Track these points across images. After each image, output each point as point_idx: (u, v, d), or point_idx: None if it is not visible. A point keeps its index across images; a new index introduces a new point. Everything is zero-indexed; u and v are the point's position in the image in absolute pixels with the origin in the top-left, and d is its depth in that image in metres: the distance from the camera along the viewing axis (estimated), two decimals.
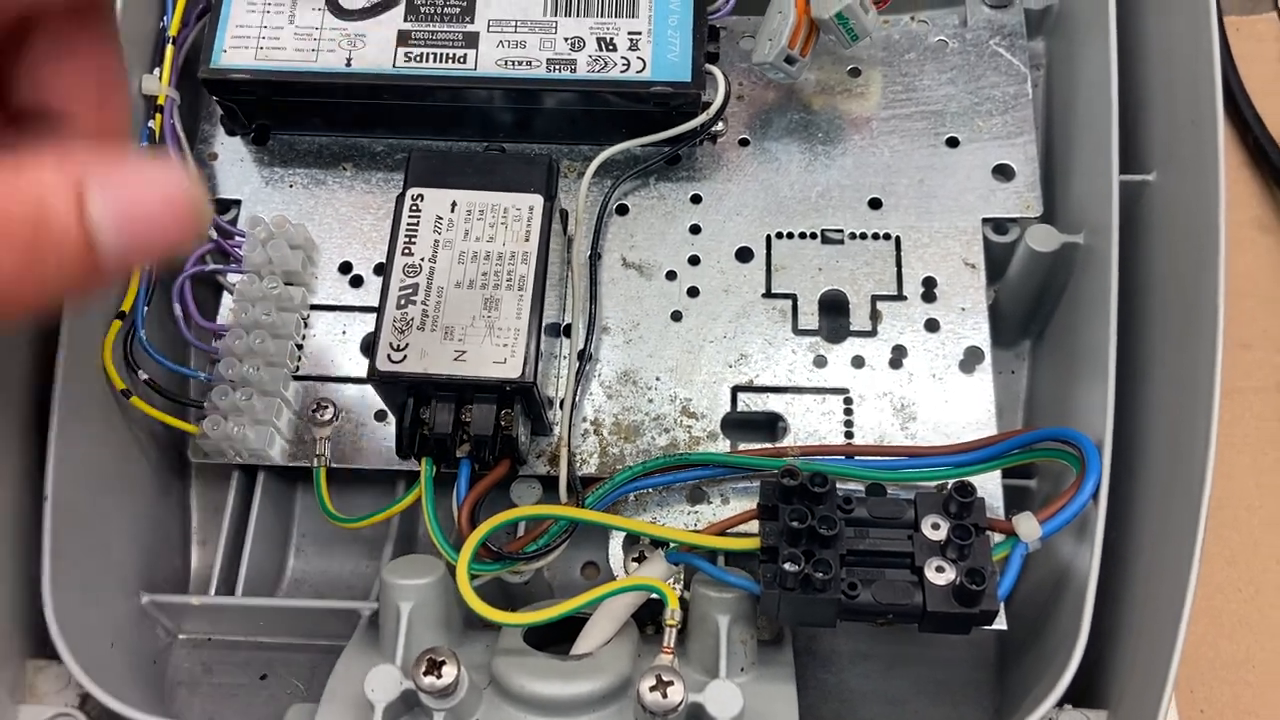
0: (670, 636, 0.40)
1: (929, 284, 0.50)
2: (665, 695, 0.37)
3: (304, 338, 0.50)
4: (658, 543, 0.45)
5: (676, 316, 0.50)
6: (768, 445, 0.47)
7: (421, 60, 0.49)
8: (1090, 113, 0.50)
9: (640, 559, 0.46)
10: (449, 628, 0.43)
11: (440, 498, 0.44)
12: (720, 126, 0.52)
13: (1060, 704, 0.41)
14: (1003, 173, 0.52)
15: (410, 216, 0.46)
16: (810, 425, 0.48)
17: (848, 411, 0.48)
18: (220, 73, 0.49)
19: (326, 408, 0.48)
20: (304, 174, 0.53)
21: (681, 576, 0.44)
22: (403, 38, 0.50)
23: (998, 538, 0.41)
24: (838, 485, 0.41)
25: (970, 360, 0.49)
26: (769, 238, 0.51)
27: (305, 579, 0.52)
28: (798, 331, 0.49)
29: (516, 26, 0.50)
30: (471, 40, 0.50)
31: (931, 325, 0.49)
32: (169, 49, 0.51)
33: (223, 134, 0.53)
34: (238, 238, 0.50)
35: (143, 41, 0.51)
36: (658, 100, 0.49)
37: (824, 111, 0.54)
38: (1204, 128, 0.45)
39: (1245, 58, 0.65)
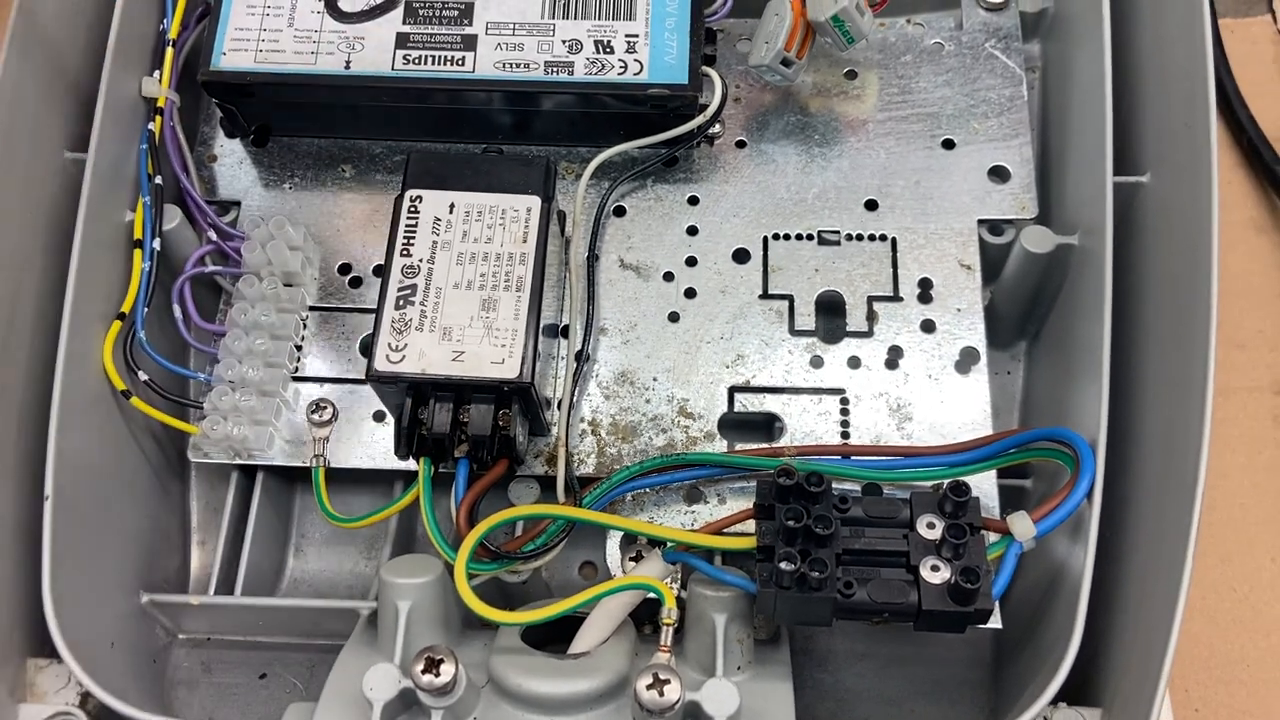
0: (667, 635, 0.40)
1: (925, 285, 0.50)
2: (662, 693, 0.37)
3: (303, 339, 0.50)
4: (655, 542, 0.45)
5: (674, 317, 0.50)
6: (764, 445, 0.47)
7: (420, 63, 0.50)
8: (1085, 115, 0.50)
9: (637, 558, 0.46)
10: (447, 627, 0.43)
11: (438, 497, 0.44)
12: (717, 128, 0.52)
13: (1055, 702, 0.41)
14: (998, 174, 0.52)
15: (409, 218, 0.46)
16: (807, 425, 0.48)
17: (844, 412, 0.48)
18: (220, 75, 0.50)
19: (325, 408, 0.48)
20: (303, 176, 0.53)
21: (679, 576, 0.44)
22: (401, 40, 0.50)
23: (993, 537, 0.41)
24: (834, 485, 0.41)
25: (966, 361, 0.49)
26: (766, 239, 0.51)
27: (304, 578, 0.52)
28: (794, 332, 0.50)
29: (514, 29, 0.50)
30: (470, 43, 0.50)
31: (927, 326, 0.49)
32: (169, 51, 0.51)
33: (222, 136, 0.54)
34: (237, 239, 0.50)
35: (143, 44, 0.52)
36: (655, 102, 0.49)
37: (820, 114, 0.54)
38: (1198, 129, 0.45)
39: (1240, 60, 0.66)
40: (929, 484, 0.44)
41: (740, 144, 0.53)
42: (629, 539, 0.47)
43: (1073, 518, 0.42)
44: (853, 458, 0.46)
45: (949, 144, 0.53)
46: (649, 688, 0.38)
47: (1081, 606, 0.41)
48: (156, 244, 0.49)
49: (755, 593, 0.40)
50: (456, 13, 0.51)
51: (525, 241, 0.45)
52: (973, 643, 0.49)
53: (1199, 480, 0.40)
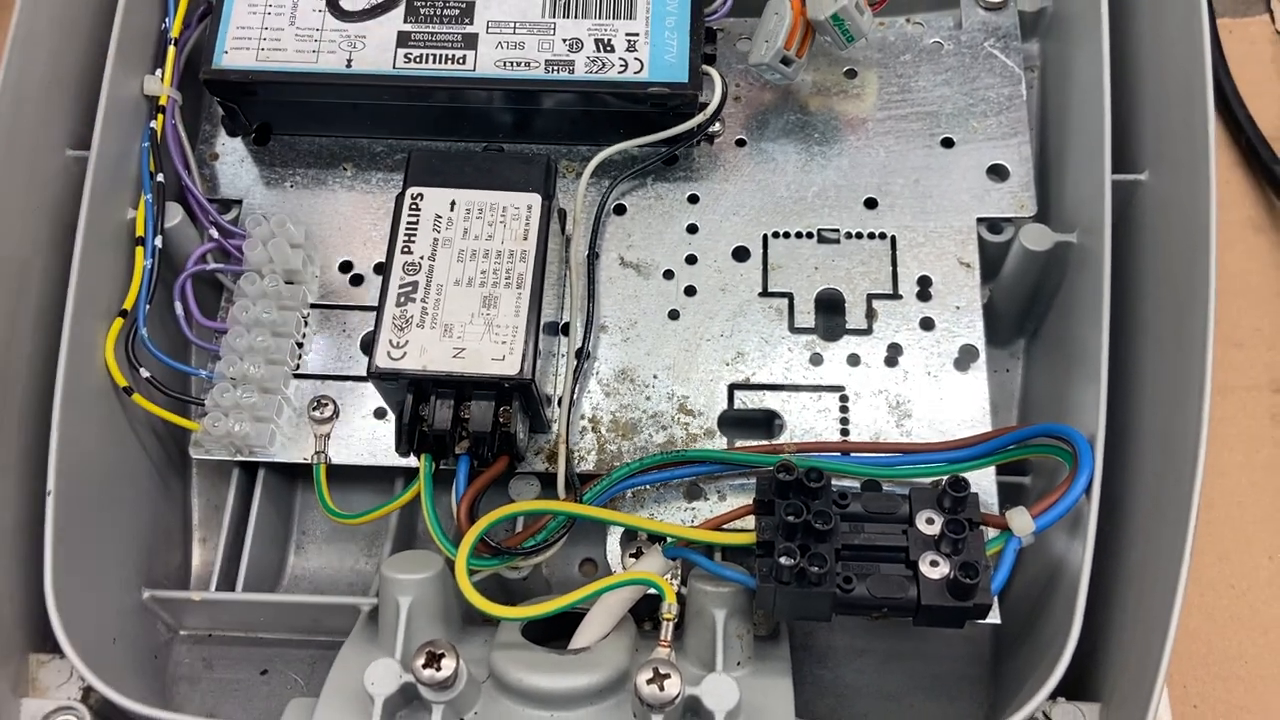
0: (667, 630, 0.41)
1: (924, 283, 0.50)
2: (662, 688, 0.38)
3: (304, 336, 0.50)
4: (655, 538, 0.45)
5: (674, 315, 0.50)
6: (764, 442, 0.47)
7: (421, 61, 0.50)
8: (1084, 113, 0.50)
9: (638, 555, 0.46)
10: (448, 622, 0.43)
11: (439, 494, 0.44)
12: (717, 127, 0.52)
13: (1053, 697, 0.41)
14: (997, 173, 0.52)
15: (410, 215, 0.46)
16: (806, 422, 0.48)
17: (843, 409, 0.48)
18: (222, 73, 0.50)
19: (326, 405, 0.48)
20: (304, 174, 0.53)
21: (679, 571, 0.44)
22: (402, 39, 0.50)
23: (991, 532, 0.41)
24: (833, 481, 0.41)
25: (965, 358, 0.49)
26: (765, 237, 0.51)
27: (305, 575, 0.52)
28: (794, 330, 0.50)
29: (515, 28, 0.50)
30: (471, 41, 0.50)
31: (927, 324, 0.50)
32: (170, 50, 0.51)
33: (224, 134, 0.54)
34: (238, 237, 0.50)
35: (145, 43, 0.52)
36: (655, 101, 0.50)
37: (820, 112, 0.54)
38: (1196, 128, 0.45)
39: (1238, 59, 0.66)
40: (928, 480, 0.45)
41: (740, 142, 0.53)
42: (629, 535, 0.47)
43: (1071, 513, 0.42)
44: (852, 454, 0.46)
45: (948, 142, 0.53)
46: (649, 682, 0.38)
47: (1080, 602, 0.41)
48: (158, 241, 0.49)
49: (755, 588, 0.40)
50: (457, 11, 0.51)
51: (526, 239, 0.46)
52: (972, 638, 0.49)
53: (1197, 477, 0.40)
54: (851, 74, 0.55)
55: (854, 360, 0.49)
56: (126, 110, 0.50)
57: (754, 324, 0.50)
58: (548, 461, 0.47)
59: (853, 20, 0.49)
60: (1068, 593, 0.42)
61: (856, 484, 0.45)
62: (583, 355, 0.49)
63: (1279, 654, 0.53)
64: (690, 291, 0.51)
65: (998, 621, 0.44)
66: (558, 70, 0.50)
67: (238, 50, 0.50)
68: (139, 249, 0.49)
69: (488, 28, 0.50)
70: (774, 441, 0.47)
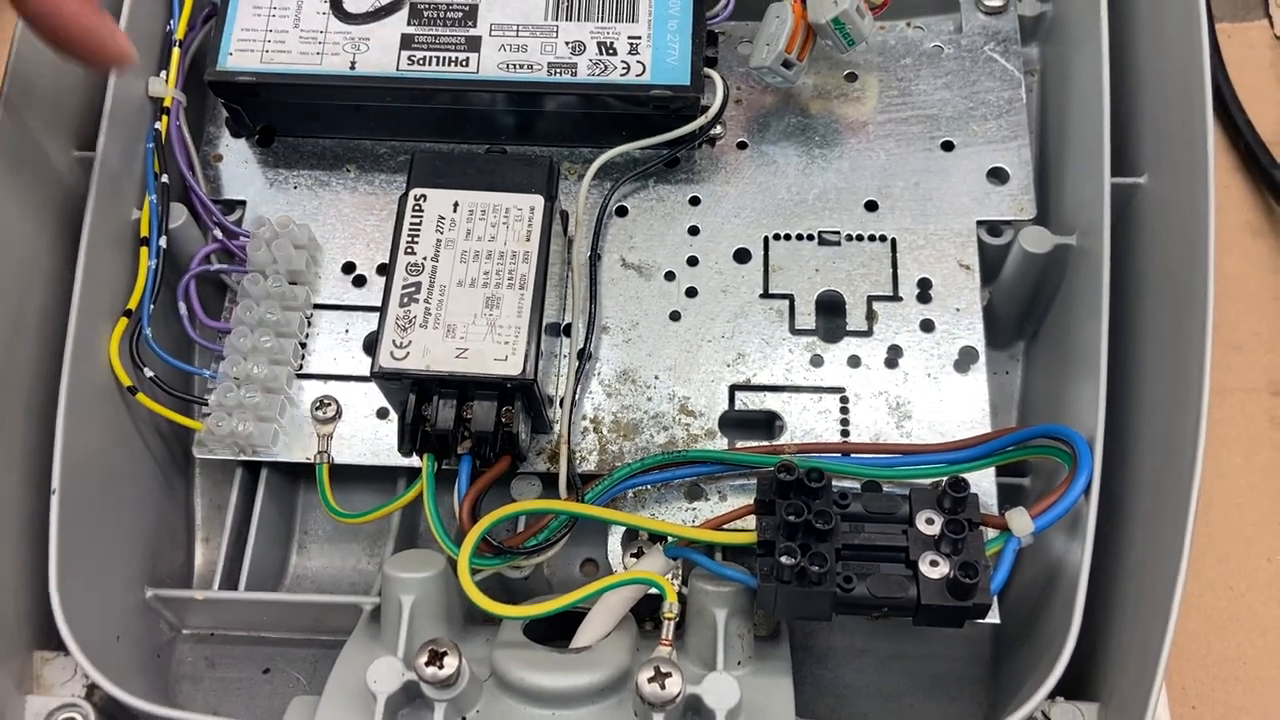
0: (669, 629, 0.41)
1: (924, 285, 0.50)
2: (664, 687, 0.38)
3: (307, 336, 0.51)
4: (656, 538, 0.46)
5: (675, 316, 0.50)
6: (765, 443, 0.47)
7: (424, 64, 0.50)
8: (1083, 117, 0.51)
9: (639, 554, 0.46)
10: (450, 621, 0.43)
11: (441, 494, 0.44)
12: (719, 130, 0.52)
13: (1052, 696, 0.41)
14: (997, 176, 0.52)
15: (413, 216, 0.46)
16: (807, 424, 0.48)
17: (844, 410, 0.48)
18: (226, 75, 0.50)
19: (329, 405, 0.48)
20: (308, 175, 0.54)
21: (680, 571, 0.45)
22: (406, 41, 0.51)
23: (991, 533, 0.41)
24: (833, 482, 0.41)
25: (965, 360, 0.49)
26: (766, 239, 0.52)
27: (307, 575, 0.53)
28: (795, 331, 0.50)
29: (518, 31, 0.51)
30: (474, 44, 0.50)
31: (927, 326, 0.50)
32: (175, 52, 0.51)
33: (228, 136, 0.54)
34: (242, 238, 0.50)
35: (149, 44, 0.52)
36: (657, 103, 0.50)
37: (821, 115, 0.54)
38: (1195, 132, 0.45)
39: (1237, 64, 0.66)
40: (928, 481, 0.45)
41: (741, 145, 0.54)
42: (630, 535, 0.47)
43: (1070, 514, 0.43)
44: (852, 455, 0.46)
45: (948, 146, 0.53)
46: (650, 681, 0.38)
47: (1079, 602, 0.41)
48: (163, 242, 0.49)
49: (756, 587, 0.40)
50: (461, 14, 0.51)
51: (528, 240, 0.46)
52: (971, 638, 0.50)
53: (1195, 479, 0.40)
54: (852, 77, 0.55)
55: (854, 362, 0.49)
56: (131, 112, 0.50)
57: (755, 325, 0.50)
58: (549, 462, 0.47)
59: (854, 24, 0.49)
60: (1067, 593, 0.42)
61: (857, 484, 0.45)
62: (584, 356, 0.49)
63: (1278, 655, 0.54)
64: (691, 293, 0.51)
65: (997, 621, 0.44)
66: (560, 73, 0.50)
67: (242, 52, 0.50)
68: (144, 249, 0.49)
69: (491, 30, 0.51)
70: (775, 442, 0.48)
